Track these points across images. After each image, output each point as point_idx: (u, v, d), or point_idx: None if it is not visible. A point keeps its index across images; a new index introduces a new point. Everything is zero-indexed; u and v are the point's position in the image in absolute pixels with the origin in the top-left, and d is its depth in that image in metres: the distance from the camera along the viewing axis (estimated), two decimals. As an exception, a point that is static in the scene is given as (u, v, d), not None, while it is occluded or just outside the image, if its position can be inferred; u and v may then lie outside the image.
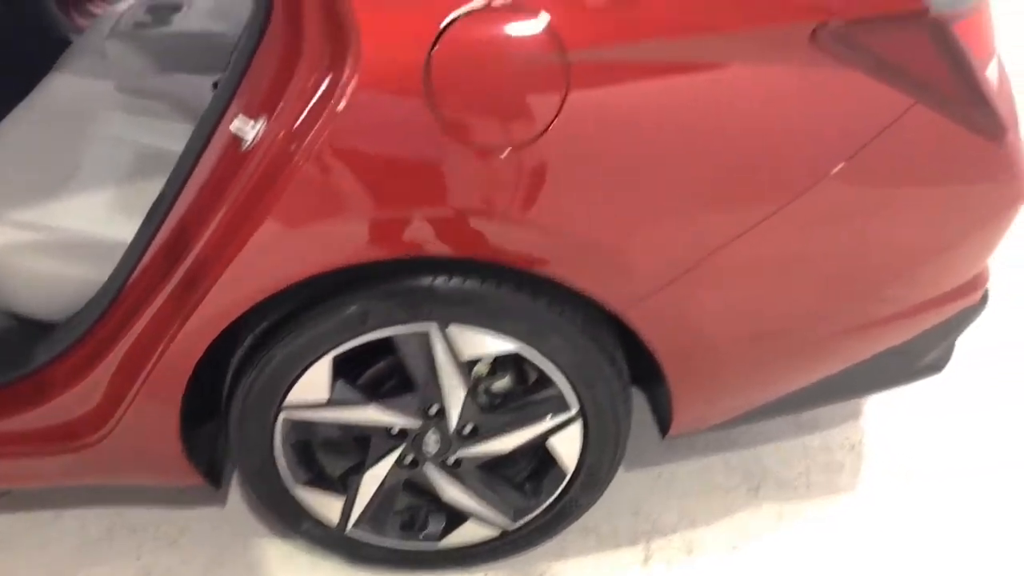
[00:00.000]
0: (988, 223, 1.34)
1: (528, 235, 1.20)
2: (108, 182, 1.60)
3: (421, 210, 1.18)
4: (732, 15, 1.12)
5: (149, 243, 1.30)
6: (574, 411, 1.40)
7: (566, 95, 1.10)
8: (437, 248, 1.21)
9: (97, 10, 2.48)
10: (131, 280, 1.32)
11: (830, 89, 1.16)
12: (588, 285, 1.25)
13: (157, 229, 1.29)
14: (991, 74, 1.27)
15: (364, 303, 1.28)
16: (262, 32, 1.19)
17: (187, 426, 1.43)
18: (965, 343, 1.58)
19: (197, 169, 1.27)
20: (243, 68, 1.21)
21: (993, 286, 1.50)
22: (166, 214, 1.28)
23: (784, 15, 1.13)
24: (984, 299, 1.48)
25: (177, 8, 2.02)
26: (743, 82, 1.14)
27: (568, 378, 1.36)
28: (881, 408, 1.92)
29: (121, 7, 2.28)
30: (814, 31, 1.11)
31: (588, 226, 1.20)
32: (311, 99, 1.13)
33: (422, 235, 1.20)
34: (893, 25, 1.15)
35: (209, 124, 1.25)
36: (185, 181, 1.27)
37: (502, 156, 1.13)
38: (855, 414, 1.90)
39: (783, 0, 1.13)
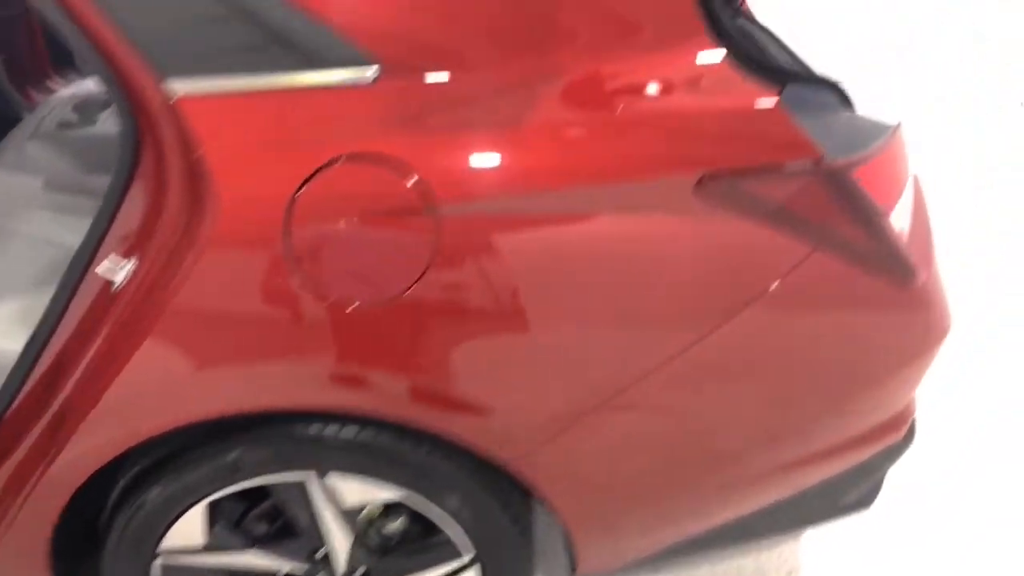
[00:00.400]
0: (905, 364, 1.23)
1: (398, 390, 1.11)
2: (18, 288, 1.52)
3: (284, 364, 1.10)
4: (608, 167, 1.03)
5: (33, 366, 1.22)
6: (469, 557, 1.29)
7: (437, 249, 1.01)
8: (302, 401, 1.12)
9: (56, 86, 2.42)
10: (16, 404, 1.24)
11: (721, 238, 1.07)
12: (467, 438, 1.15)
13: (40, 353, 1.21)
14: (899, 215, 1.16)
15: (235, 452, 1.19)
16: (132, 172, 1.11)
17: (74, 555, 1.34)
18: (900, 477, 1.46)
19: (74, 301, 1.18)
20: (114, 206, 1.14)
21: (922, 420, 1.37)
22: (47, 339, 1.20)
23: (664, 167, 1.04)
24: (910, 435, 1.36)
25: (106, 105, 1.95)
26: (625, 233, 1.05)
27: (461, 524, 1.25)
28: (817, 534, 1.78)
29: (66, 92, 2.21)
30: (699, 181, 1.02)
31: (462, 382, 1.11)
32: (172, 248, 1.06)
33: (286, 389, 1.11)
34: (786, 174, 1.06)
35: (84, 257, 1.17)
36: (63, 313, 1.19)
37: (367, 310, 1.04)
38: (792, 538, 1.77)
39: (662, 152, 1.05)
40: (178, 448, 1.21)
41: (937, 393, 2.14)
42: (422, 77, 1.01)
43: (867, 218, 1.09)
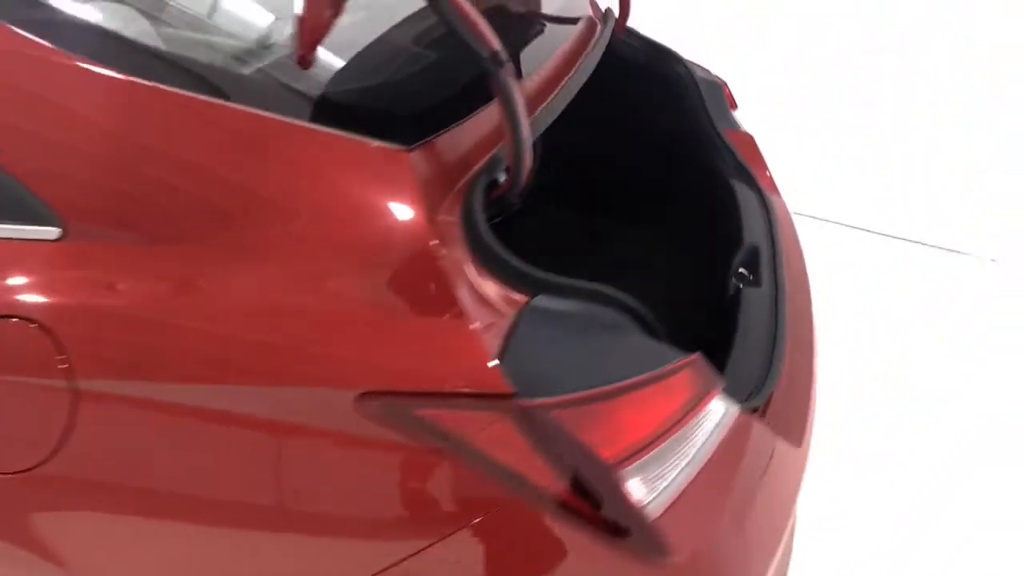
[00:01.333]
0: None
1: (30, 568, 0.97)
2: None
3: None
4: (269, 368, 0.88)
5: None
6: None
7: (74, 423, 0.90)
8: None
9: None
10: None
11: (392, 463, 0.88)
12: None
13: None
14: (650, 472, 0.89)
15: None
16: None
17: None
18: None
19: None
20: None
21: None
22: None
23: (324, 376, 0.86)
24: None
25: None
26: (268, 438, 0.90)
27: None
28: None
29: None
30: (360, 398, 0.84)
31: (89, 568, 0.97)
32: None
33: None
34: (469, 406, 0.85)
35: None
36: None
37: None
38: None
39: (308, 359, 0.87)
40: None
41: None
42: (99, 244, 0.90)
43: (587, 470, 0.85)
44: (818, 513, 1.75)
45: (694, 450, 0.93)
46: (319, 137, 0.90)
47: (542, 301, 0.90)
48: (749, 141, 1.64)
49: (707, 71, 1.76)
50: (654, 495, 0.88)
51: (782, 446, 1.08)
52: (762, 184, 1.50)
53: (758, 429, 1.04)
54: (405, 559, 0.89)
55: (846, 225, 2.85)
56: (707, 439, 0.94)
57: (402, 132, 0.91)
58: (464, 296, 0.86)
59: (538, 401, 0.83)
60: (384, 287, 0.87)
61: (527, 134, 0.89)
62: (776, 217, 1.44)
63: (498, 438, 0.84)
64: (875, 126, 3.47)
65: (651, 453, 0.88)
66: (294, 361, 0.87)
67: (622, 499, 0.86)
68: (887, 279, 2.58)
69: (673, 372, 0.91)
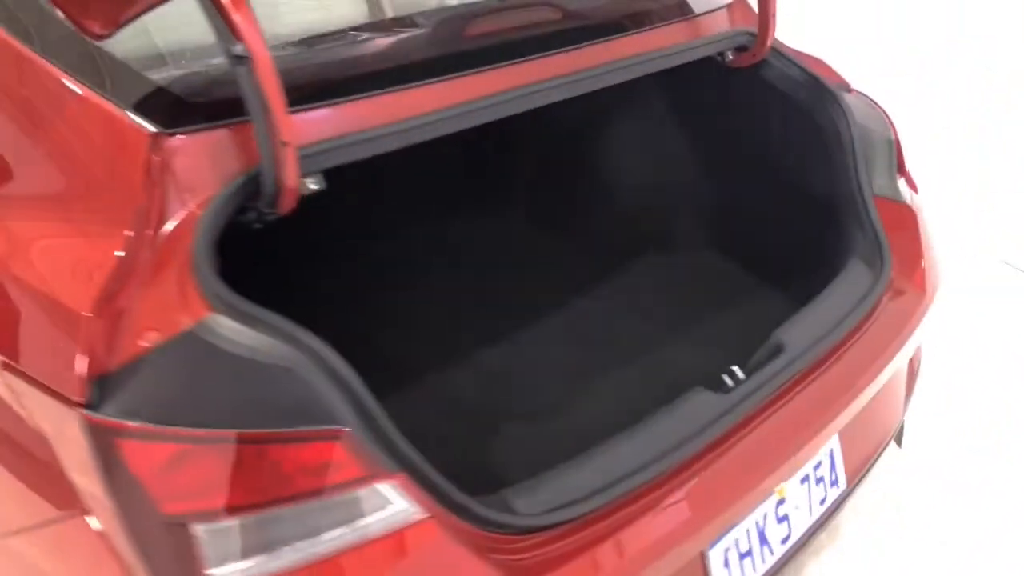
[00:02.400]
0: None
1: None
2: None
3: None
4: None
5: None
6: None
7: None
8: None
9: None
10: None
11: (10, 432, 0.87)
12: None
13: None
14: (220, 541, 0.76)
15: None
16: None
17: None
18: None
19: None
20: None
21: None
22: None
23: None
24: None
25: None
26: None
27: None
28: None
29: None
30: None
31: None
32: None
33: None
34: (49, 398, 0.77)
35: None
36: None
37: None
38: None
39: None
40: None
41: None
42: None
43: (138, 513, 0.74)
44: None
45: (309, 541, 0.77)
46: (87, 101, 0.85)
47: (213, 321, 0.77)
48: (907, 214, 1.38)
49: (884, 124, 1.49)
50: (224, 569, 0.74)
51: None
52: (889, 274, 1.26)
53: (451, 550, 0.83)
54: (20, 531, 0.87)
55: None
56: (342, 534, 0.78)
57: (171, 116, 0.86)
58: (133, 293, 0.78)
59: (100, 419, 0.73)
60: (65, 259, 0.83)
61: (279, 137, 0.80)
62: (858, 320, 1.20)
63: (69, 442, 0.76)
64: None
65: (233, 520, 0.74)
66: None
67: (172, 558, 0.74)
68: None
69: (304, 438, 0.76)
